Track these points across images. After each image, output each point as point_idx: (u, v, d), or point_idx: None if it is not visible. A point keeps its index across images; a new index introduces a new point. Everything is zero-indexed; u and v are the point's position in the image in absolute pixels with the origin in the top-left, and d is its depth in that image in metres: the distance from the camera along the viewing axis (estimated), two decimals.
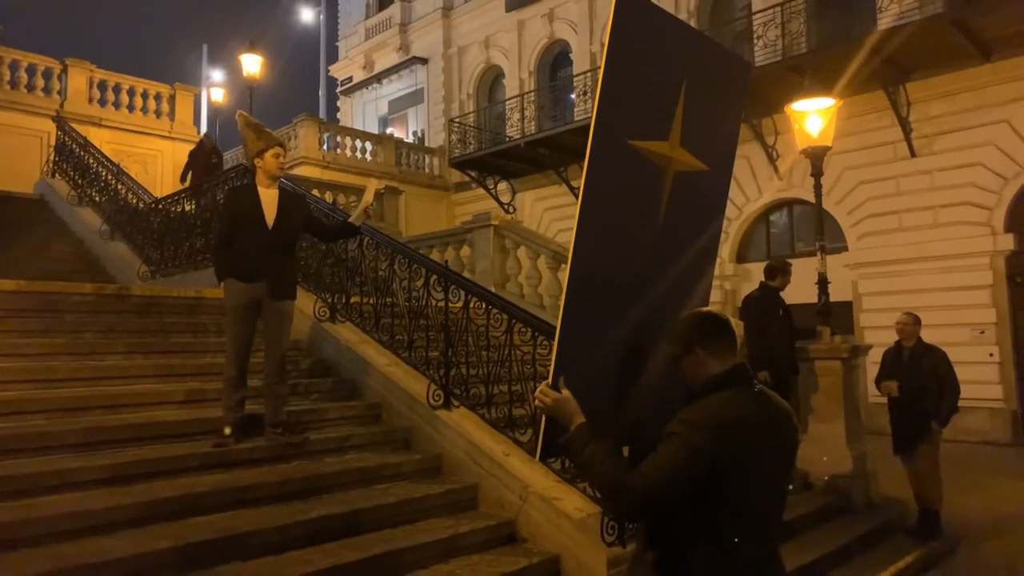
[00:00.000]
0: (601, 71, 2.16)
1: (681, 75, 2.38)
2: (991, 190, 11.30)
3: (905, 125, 11.90)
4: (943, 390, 5.98)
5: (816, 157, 7.33)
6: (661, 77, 2.34)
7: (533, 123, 17.34)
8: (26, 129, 13.04)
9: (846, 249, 12.72)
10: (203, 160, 11.23)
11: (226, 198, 5.17)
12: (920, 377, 6.02)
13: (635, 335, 2.36)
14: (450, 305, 5.35)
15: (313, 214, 5.39)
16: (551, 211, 17.42)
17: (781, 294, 6.62)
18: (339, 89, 25.34)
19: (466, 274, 8.93)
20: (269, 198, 4.71)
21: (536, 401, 2.20)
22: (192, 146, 14.21)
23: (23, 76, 13.40)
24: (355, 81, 24.25)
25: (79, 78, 13.90)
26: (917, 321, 6.24)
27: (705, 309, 2.28)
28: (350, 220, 5.11)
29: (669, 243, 2.48)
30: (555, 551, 4.07)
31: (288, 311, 4.81)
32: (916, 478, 6.12)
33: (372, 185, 5.23)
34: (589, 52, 17.20)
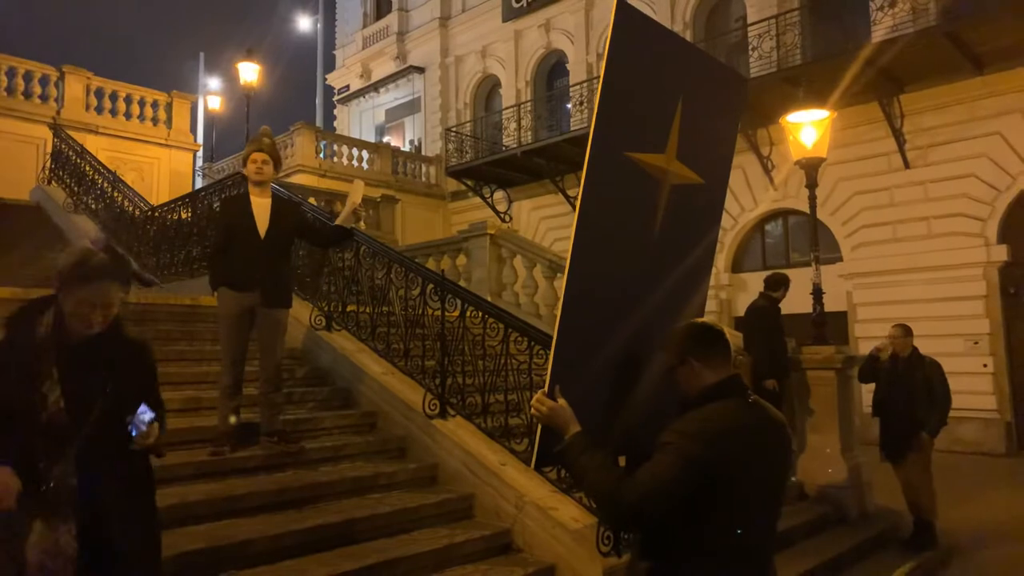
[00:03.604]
0: (599, 84, 2.18)
1: (678, 89, 2.40)
2: (984, 201, 11.38)
3: (899, 137, 11.99)
4: (934, 401, 6.01)
5: (811, 168, 7.38)
6: (658, 90, 2.37)
7: (530, 133, 17.40)
8: (22, 136, 13.03)
9: (841, 259, 12.77)
10: None
11: (220, 207, 5.18)
12: (913, 387, 6.05)
13: (631, 345, 2.37)
14: (446, 314, 5.36)
15: (308, 221, 5.38)
16: (547, 220, 17.46)
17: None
18: (336, 98, 25.40)
19: (462, 283, 8.94)
20: (261, 207, 4.71)
21: (532, 409, 2.21)
22: (189, 154, 14.18)
23: (20, 83, 13.39)
24: (352, 90, 24.31)
25: (76, 85, 13.91)
26: (908, 332, 6.28)
27: (699, 320, 2.30)
28: (337, 223, 5.07)
29: (665, 254, 2.50)
30: (551, 561, 4.07)
31: (282, 319, 4.81)
32: (908, 488, 6.14)
33: (358, 187, 5.14)
34: (585, 62, 17.29)
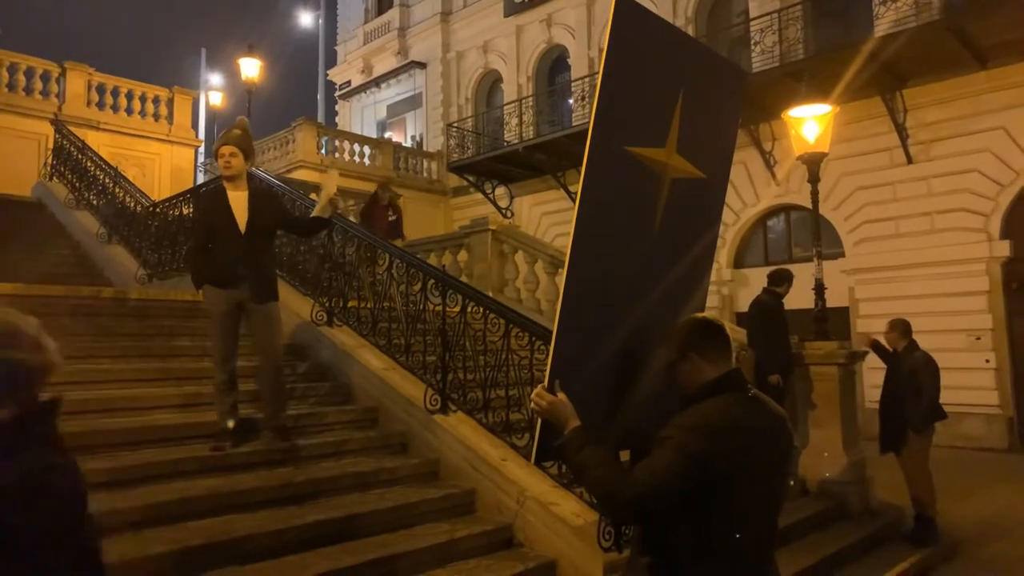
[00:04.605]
0: (599, 78, 2.17)
1: (678, 83, 2.39)
2: (987, 196, 11.34)
3: (902, 131, 11.95)
4: (919, 395, 5.99)
5: (813, 163, 7.35)
6: (658, 84, 2.36)
7: (531, 128, 17.37)
8: (24, 132, 13.02)
9: (843, 255, 12.75)
10: (380, 217, 9.76)
11: (198, 205, 5.16)
12: (900, 380, 6.06)
13: (631, 340, 2.37)
14: (448, 310, 5.36)
15: (287, 212, 5.31)
16: (549, 216, 17.44)
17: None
18: (337, 93, 25.38)
19: (464, 278, 8.94)
20: (239, 201, 4.68)
21: (532, 404, 2.20)
22: (190, 150, 14.09)
23: (21, 79, 13.38)
24: (354, 85, 24.28)
25: (77, 81, 13.89)
26: (895, 327, 6.29)
27: (700, 315, 2.29)
28: (314, 214, 4.98)
29: (665, 249, 2.49)
30: (552, 556, 4.07)
31: (273, 312, 4.78)
32: (907, 481, 6.16)
33: (333, 177, 5.08)
34: (587, 57, 17.25)
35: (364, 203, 10.38)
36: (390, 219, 9.86)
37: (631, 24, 2.20)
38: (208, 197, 5.03)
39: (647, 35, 2.31)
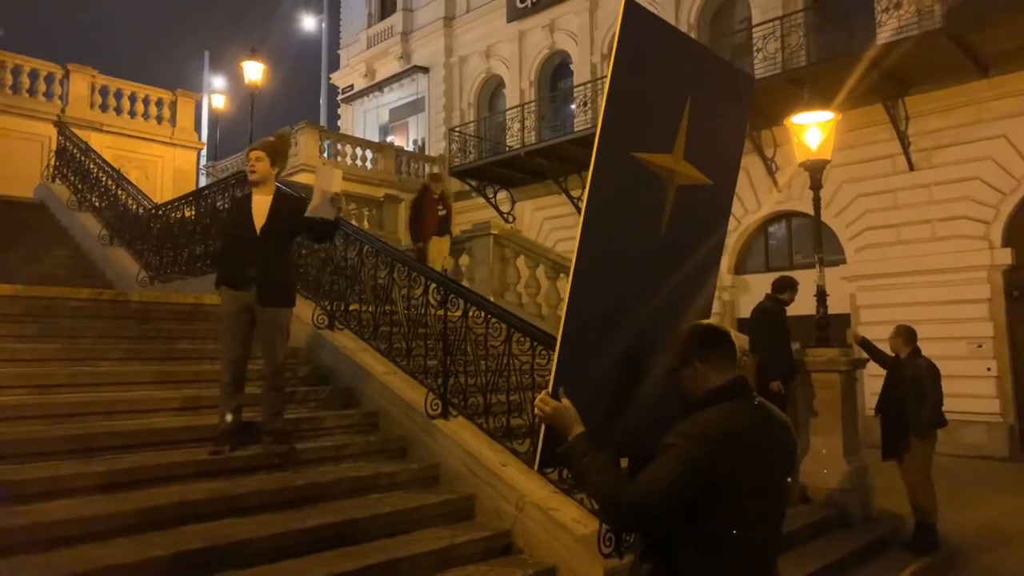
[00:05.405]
0: (607, 83, 2.16)
1: (686, 89, 2.38)
2: (989, 204, 11.34)
3: (903, 139, 11.96)
4: (923, 401, 5.99)
5: (815, 170, 7.35)
6: (666, 90, 2.35)
7: (533, 133, 17.38)
8: (27, 133, 13.04)
9: (844, 262, 12.74)
10: (430, 210, 9.49)
11: (228, 207, 5.30)
12: (903, 387, 6.06)
13: (636, 346, 2.35)
14: (449, 314, 5.34)
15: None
16: (550, 220, 17.45)
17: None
18: (340, 97, 25.42)
19: (465, 283, 8.93)
20: (261, 204, 4.74)
21: (536, 410, 2.19)
22: (193, 153, 14.09)
23: (25, 81, 13.41)
24: (356, 89, 24.32)
25: (81, 83, 13.92)
26: (900, 333, 6.31)
27: (704, 322, 2.28)
28: (307, 214, 4.79)
29: (671, 255, 2.48)
30: (552, 562, 4.05)
31: (280, 318, 4.74)
32: (908, 488, 6.14)
33: (331, 175, 4.83)
34: (589, 63, 17.28)
35: (415, 195, 10.07)
36: (440, 213, 9.56)
37: (640, 29, 2.19)
38: (236, 201, 5.16)
39: (655, 41, 2.29)
